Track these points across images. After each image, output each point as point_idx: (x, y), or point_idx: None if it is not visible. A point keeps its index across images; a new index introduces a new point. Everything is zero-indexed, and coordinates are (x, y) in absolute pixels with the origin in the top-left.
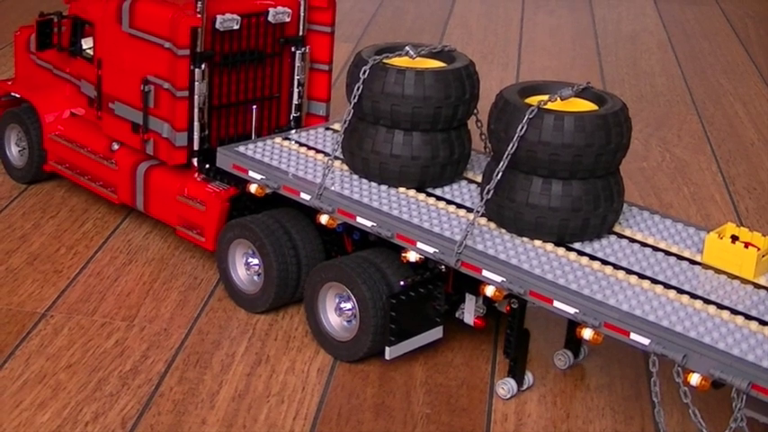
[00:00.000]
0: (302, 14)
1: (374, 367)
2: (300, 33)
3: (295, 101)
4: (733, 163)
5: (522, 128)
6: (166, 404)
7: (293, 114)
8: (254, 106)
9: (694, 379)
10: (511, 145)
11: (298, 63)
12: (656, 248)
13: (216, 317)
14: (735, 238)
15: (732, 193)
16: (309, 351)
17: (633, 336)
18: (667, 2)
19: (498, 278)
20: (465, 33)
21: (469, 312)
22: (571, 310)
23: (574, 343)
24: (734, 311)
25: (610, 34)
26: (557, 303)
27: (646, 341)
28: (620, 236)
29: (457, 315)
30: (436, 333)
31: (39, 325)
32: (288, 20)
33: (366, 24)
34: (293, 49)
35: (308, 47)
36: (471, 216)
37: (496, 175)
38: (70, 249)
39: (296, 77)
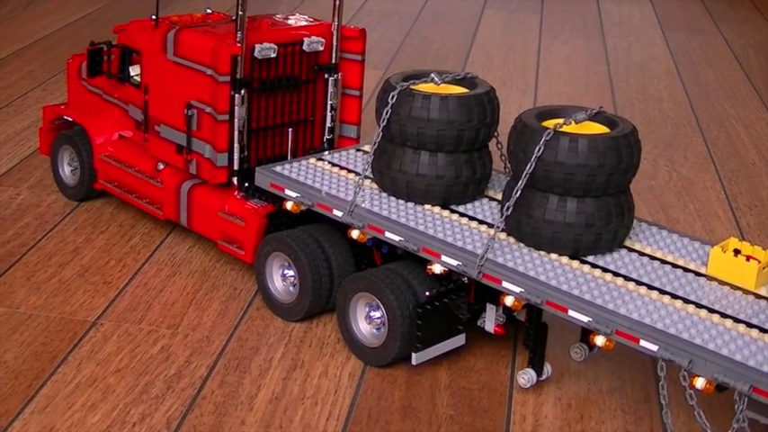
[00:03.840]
0: (335, 44)
1: (402, 372)
2: (333, 61)
3: (328, 124)
4: (735, 182)
5: (540, 149)
6: (208, 406)
7: (326, 137)
8: (290, 129)
9: (699, 383)
10: (529, 165)
11: (330, 89)
12: (663, 261)
13: (254, 325)
14: (737, 252)
15: (735, 210)
16: (341, 357)
17: (643, 342)
18: (674, 32)
19: (517, 289)
20: (486, 61)
21: (490, 321)
22: (585, 319)
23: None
24: (736, 320)
25: (621, 62)
26: (571, 312)
27: (654, 347)
28: (631, 250)
29: (478, 323)
30: (459, 340)
31: (90, 332)
32: (321, 49)
33: (394, 53)
34: (326, 75)
35: (340, 74)
36: (492, 231)
37: (515, 193)
38: (119, 262)
39: (329, 102)
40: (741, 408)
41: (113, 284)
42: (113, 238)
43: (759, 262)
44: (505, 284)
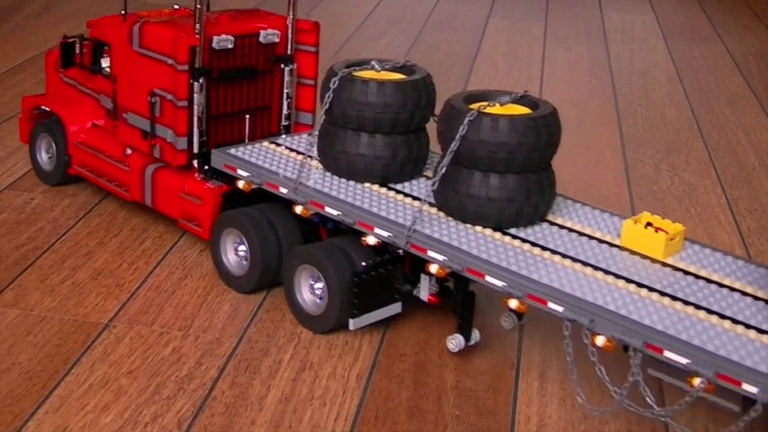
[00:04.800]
0: (290, 36)
1: (409, 373)
2: (289, 52)
3: (284, 111)
4: (736, 186)
5: (464, 128)
6: (219, 407)
7: (283, 123)
8: (248, 116)
9: (600, 340)
10: (454, 143)
11: (286, 78)
12: (581, 234)
13: (264, 327)
14: (650, 225)
15: (735, 214)
16: (349, 358)
17: (550, 304)
18: (676, 40)
19: (440, 257)
20: (492, 68)
21: (424, 290)
22: (500, 284)
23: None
24: (639, 285)
25: (623, 69)
26: (488, 278)
27: (560, 309)
28: (552, 223)
29: (414, 293)
30: (395, 308)
31: (102, 334)
32: (277, 41)
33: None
34: (282, 66)
35: (295, 64)
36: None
37: (441, 170)
38: (131, 265)
39: (285, 91)
40: (636, 362)
41: (126, 287)
42: (126, 242)
43: (667, 233)
44: (430, 253)
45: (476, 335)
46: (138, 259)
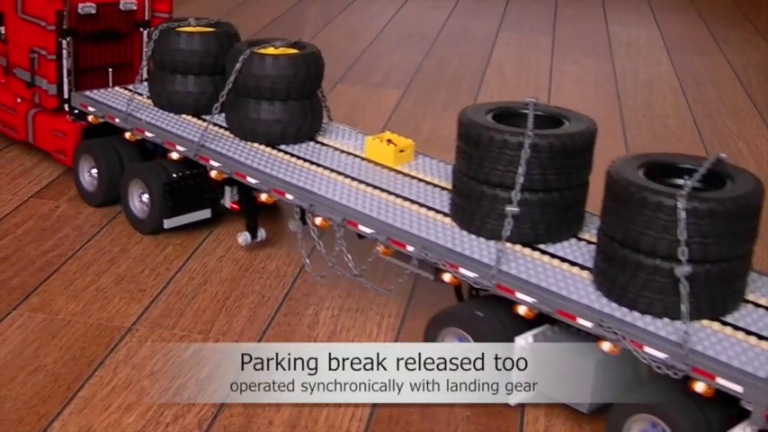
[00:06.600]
0: (147, 4)
1: None
2: (146, 18)
3: (143, 67)
4: None
5: (239, 65)
6: (238, 407)
7: (145, 77)
8: (111, 69)
9: (318, 220)
10: (231, 76)
11: (144, 39)
12: (336, 149)
13: (281, 330)
14: (390, 141)
15: None
16: None
17: (287, 195)
18: (679, 53)
19: (217, 164)
20: (501, 80)
21: (228, 199)
22: (253, 181)
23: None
24: (361, 182)
25: (628, 81)
26: (248, 178)
27: (291, 197)
28: (317, 142)
29: (222, 202)
30: (205, 213)
31: (125, 337)
32: (135, 8)
33: (414, 72)
34: (141, 29)
35: (152, 28)
36: (216, 129)
37: (222, 97)
38: (153, 271)
39: (144, 50)
40: (339, 235)
41: (148, 292)
42: (147, 249)
43: (396, 146)
44: (211, 162)
45: (261, 233)
46: (159, 265)
